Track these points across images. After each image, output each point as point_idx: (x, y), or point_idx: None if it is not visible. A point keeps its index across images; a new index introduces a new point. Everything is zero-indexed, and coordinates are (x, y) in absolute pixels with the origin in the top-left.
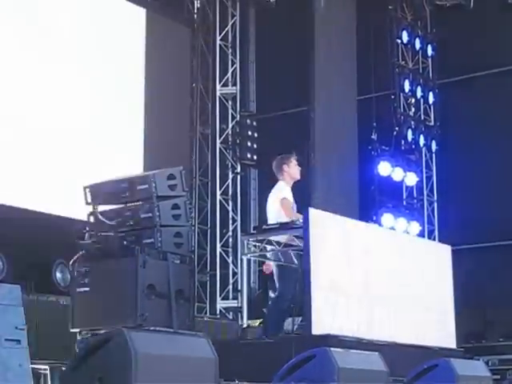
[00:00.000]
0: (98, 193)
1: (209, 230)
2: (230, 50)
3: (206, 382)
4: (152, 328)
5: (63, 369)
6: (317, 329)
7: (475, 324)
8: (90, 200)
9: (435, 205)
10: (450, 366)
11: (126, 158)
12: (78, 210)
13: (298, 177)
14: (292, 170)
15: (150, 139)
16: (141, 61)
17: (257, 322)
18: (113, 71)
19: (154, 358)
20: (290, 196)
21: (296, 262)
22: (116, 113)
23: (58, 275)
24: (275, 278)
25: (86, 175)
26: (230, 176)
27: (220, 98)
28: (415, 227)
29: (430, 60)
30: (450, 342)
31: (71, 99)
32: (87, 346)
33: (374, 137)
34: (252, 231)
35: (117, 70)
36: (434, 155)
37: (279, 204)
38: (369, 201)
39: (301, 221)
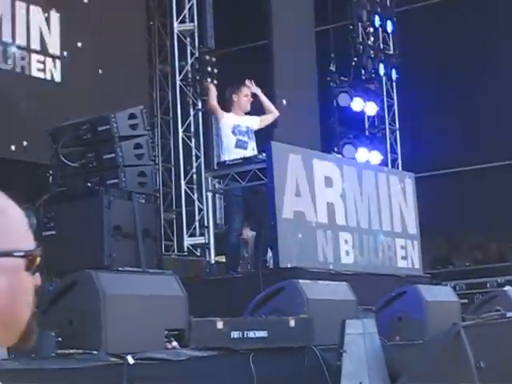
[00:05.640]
0: (60, 135)
1: (173, 168)
2: None
3: (176, 319)
4: (120, 268)
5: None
6: (285, 262)
7: (442, 250)
8: (52, 143)
9: (397, 133)
10: (417, 293)
11: (86, 100)
12: (41, 154)
13: (247, 108)
14: (241, 100)
15: (107, 80)
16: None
17: (224, 258)
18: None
19: (122, 298)
20: (233, 121)
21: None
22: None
23: None
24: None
25: (48, 119)
26: (192, 113)
27: (178, 34)
28: (377, 156)
29: None
30: (417, 269)
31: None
32: (56, 290)
33: (332, 68)
34: (215, 167)
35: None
36: (394, 84)
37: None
38: (330, 132)
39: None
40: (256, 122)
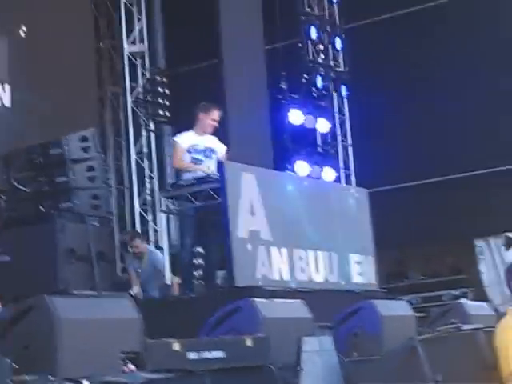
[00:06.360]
0: (12, 160)
1: (126, 190)
2: (136, 8)
3: (132, 342)
4: (75, 292)
5: None
6: (240, 281)
7: (396, 264)
8: (3, 168)
9: (350, 150)
10: (373, 308)
11: (36, 125)
12: None
13: (208, 131)
14: (206, 121)
15: (56, 103)
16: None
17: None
18: None
19: (77, 322)
20: (190, 142)
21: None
22: None
23: None
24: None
25: None
26: (144, 134)
27: (129, 56)
28: (331, 173)
29: (335, 5)
30: (373, 284)
31: None
32: (10, 316)
33: (283, 86)
34: (168, 188)
35: None
36: (345, 100)
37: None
38: (282, 150)
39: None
40: (220, 150)
